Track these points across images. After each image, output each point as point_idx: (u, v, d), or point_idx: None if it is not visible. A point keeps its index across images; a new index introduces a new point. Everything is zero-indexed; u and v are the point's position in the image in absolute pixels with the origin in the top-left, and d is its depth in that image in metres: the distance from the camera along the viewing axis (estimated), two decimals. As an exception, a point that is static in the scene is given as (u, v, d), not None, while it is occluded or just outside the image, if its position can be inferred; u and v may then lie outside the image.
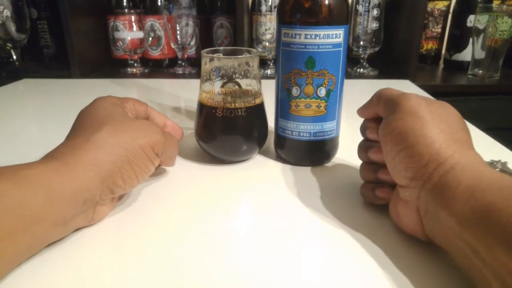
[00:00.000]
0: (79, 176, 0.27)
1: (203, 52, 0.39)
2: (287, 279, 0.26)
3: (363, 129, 0.34)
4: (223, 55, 0.41)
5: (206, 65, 0.39)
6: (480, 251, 0.22)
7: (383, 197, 0.32)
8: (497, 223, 0.21)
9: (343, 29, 0.37)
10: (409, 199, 0.28)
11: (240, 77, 0.39)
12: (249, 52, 0.40)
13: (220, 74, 0.39)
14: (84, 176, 0.27)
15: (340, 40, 0.37)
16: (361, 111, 0.35)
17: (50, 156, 0.28)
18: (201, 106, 0.41)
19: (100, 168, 0.28)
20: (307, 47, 0.37)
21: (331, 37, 0.36)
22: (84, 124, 0.31)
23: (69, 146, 0.29)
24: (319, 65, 0.37)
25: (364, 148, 0.34)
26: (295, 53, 0.37)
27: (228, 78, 0.39)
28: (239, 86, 0.40)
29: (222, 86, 0.40)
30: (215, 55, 0.40)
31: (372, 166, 0.33)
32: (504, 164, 0.37)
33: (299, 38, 0.37)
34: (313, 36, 0.36)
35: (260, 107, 0.41)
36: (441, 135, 0.27)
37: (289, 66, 0.38)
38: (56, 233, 0.28)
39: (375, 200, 0.33)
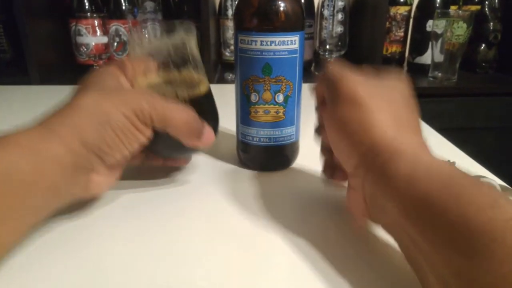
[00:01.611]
0: (61, 141, 0.27)
1: (131, 34, 0.35)
2: (241, 285, 0.26)
3: (316, 108, 0.33)
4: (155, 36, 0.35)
5: (136, 50, 0.35)
6: (418, 242, 0.22)
7: (338, 180, 0.32)
8: (431, 213, 0.21)
9: (298, 35, 0.37)
10: (355, 187, 0.28)
11: (178, 62, 0.35)
12: (184, 30, 0.35)
13: (155, 59, 0.34)
14: (66, 141, 0.28)
15: (296, 46, 0.37)
16: (313, 89, 0.33)
17: (36, 123, 0.29)
18: None
19: (82, 134, 0.28)
20: (264, 53, 0.37)
21: (287, 43, 0.37)
22: (75, 92, 0.32)
23: (54, 112, 0.29)
24: (276, 71, 0.38)
25: (317, 129, 0.33)
26: (252, 59, 0.38)
27: (163, 64, 0.35)
28: (178, 71, 0.35)
29: (158, 73, 0.35)
30: (143, 38, 0.35)
31: (328, 147, 0.32)
32: (452, 164, 0.39)
33: (255, 44, 0.37)
34: (268, 43, 0.36)
35: (206, 95, 0.37)
36: (380, 121, 0.26)
37: (247, 72, 0.38)
38: (51, 200, 0.28)
39: (333, 183, 0.33)
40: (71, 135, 0.28)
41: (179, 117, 0.32)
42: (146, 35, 0.35)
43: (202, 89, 0.37)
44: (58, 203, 0.29)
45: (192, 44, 0.35)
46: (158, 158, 0.38)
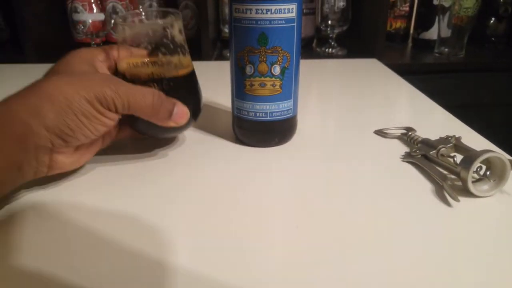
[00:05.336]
0: (22, 122, 0.28)
1: (117, 17, 0.37)
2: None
3: None
4: (146, 18, 0.37)
5: (124, 32, 0.35)
6: None
7: None
8: None
9: (295, 3, 0.35)
10: None
11: (162, 47, 0.36)
12: (170, 15, 0.37)
13: (138, 42, 0.35)
14: (27, 122, 0.28)
15: (293, 15, 0.35)
16: None
17: (0, 101, 0.29)
18: (122, 77, 0.36)
19: (42, 117, 0.28)
20: (259, 22, 0.35)
21: (284, 11, 0.35)
22: (43, 76, 0.32)
23: (18, 93, 0.30)
24: (272, 41, 0.36)
25: None
26: (247, 29, 0.36)
27: (146, 47, 0.35)
28: (162, 54, 0.36)
29: (141, 56, 0.35)
30: (126, 22, 0.36)
31: None
32: (458, 139, 0.37)
33: (250, 13, 0.35)
34: (264, 11, 0.34)
35: (186, 78, 0.38)
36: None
37: (242, 43, 0.37)
38: (14, 177, 0.29)
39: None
40: (32, 117, 0.28)
41: (143, 101, 0.32)
42: (133, 18, 0.37)
43: (181, 71, 0.37)
44: (22, 180, 0.30)
45: (174, 29, 0.36)
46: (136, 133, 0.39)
